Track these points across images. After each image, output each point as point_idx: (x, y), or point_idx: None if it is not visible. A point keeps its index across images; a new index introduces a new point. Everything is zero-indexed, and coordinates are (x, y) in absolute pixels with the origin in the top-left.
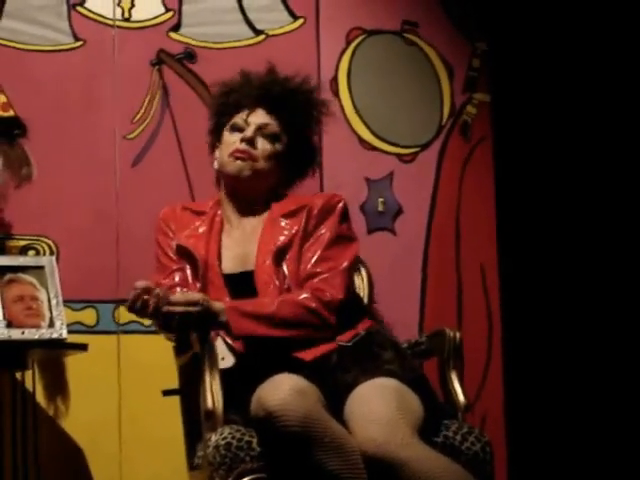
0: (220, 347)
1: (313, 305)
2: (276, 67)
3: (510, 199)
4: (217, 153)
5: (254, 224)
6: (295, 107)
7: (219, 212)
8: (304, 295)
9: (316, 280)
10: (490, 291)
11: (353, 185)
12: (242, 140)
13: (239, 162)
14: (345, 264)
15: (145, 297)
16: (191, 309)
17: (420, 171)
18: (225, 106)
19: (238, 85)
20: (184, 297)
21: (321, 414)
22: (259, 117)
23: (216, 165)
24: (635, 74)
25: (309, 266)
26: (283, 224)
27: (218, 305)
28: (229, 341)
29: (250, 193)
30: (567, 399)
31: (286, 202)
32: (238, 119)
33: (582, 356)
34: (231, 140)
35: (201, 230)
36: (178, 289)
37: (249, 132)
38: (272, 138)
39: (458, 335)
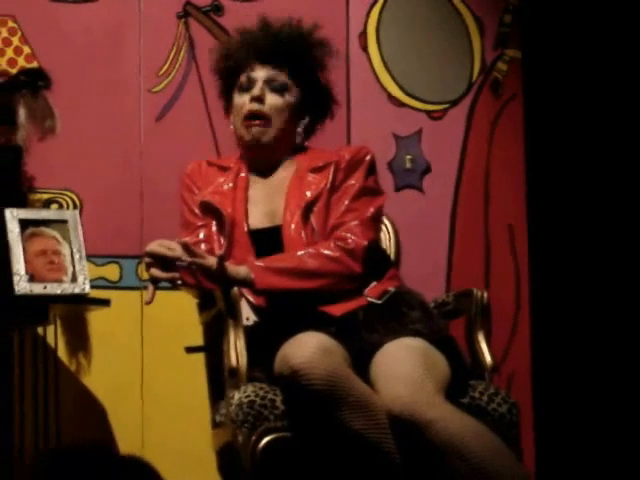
0: (245, 308)
1: (337, 254)
2: (267, 19)
3: (540, 158)
4: (232, 117)
5: (280, 179)
6: (296, 53)
7: (244, 167)
8: (327, 245)
9: (339, 230)
10: (518, 251)
11: (381, 142)
12: (251, 99)
13: (254, 129)
14: (369, 213)
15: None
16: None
17: (449, 128)
18: (228, 69)
19: (235, 45)
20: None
21: (346, 373)
22: (263, 71)
23: (232, 128)
24: None
25: (335, 218)
26: (311, 179)
27: (241, 267)
28: (254, 301)
29: (271, 157)
30: (595, 360)
31: (313, 157)
32: (243, 78)
33: (611, 317)
34: (241, 101)
35: (226, 187)
36: (202, 245)
37: (257, 90)
38: (280, 90)
39: (485, 295)
